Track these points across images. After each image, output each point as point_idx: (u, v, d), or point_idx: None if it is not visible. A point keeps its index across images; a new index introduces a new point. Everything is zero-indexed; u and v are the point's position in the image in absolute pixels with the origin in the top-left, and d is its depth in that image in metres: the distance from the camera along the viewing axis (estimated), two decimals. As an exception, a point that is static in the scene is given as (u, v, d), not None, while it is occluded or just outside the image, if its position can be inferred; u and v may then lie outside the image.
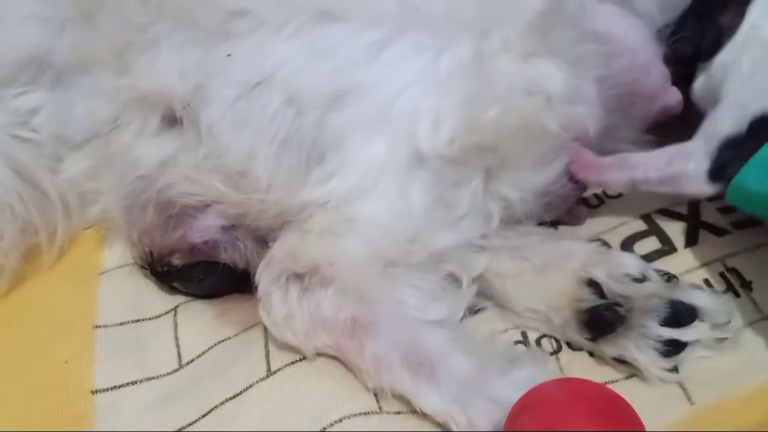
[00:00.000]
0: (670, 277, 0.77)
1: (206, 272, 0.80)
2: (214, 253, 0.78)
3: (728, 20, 0.79)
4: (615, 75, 0.79)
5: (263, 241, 0.77)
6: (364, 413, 0.70)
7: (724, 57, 0.79)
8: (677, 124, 0.89)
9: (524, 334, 0.77)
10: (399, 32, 0.74)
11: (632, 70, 0.83)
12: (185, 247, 0.79)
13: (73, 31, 0.85)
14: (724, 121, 0.75)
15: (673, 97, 0.85)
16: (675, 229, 0.82)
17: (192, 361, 0.77)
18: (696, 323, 0.72)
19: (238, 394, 0.72)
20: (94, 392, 0.75)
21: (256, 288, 0.75)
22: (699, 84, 0.81)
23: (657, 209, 0.85)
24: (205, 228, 0.78)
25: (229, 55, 0.75)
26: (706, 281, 0.77)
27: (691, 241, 0.81)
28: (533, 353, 0.75)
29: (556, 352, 0.75)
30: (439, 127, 0.74)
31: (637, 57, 0.83)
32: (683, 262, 0.79)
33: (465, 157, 0.75)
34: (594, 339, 0.73)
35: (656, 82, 0.85)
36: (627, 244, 0.82)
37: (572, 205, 0.85)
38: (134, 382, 0.75)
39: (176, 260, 0.80)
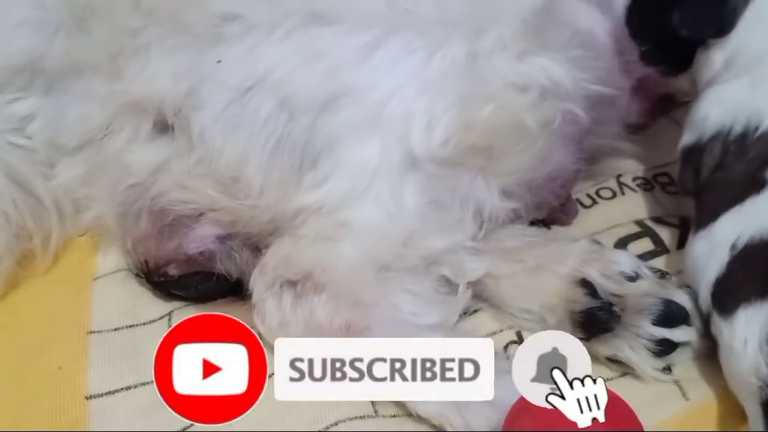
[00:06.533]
0: (663, 274, 0.77)
1: (203, 281, 0.80)
2: (210, 264, 0.78)
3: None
4: (597, 72, 0.79)
5: (258, 250, 0.77)
6: (360, 416, 0.70)
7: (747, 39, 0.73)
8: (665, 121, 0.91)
9: (519, 335, 0.77)
10: (390, 34, 0.74)
11: (611, 69, 0.82)
12: (181, 258, 0.78)
13: (67, 36, 0.84)
14: None
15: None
16: (667, 234, 0.83)
17: (187, 365, 0.77)
18: (687, 325, 0.72)
19: (234, 398, 0.73)
20: (88, 398, 0.74)
21: (250, 294, 0.75)
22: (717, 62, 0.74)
23: (650, 217, 0.86)
24: (200, 238, 0.78)
25: (219, 61, 0.74)
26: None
27: (683, 244, 0.80)
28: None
29: (551, 351, 0.76)
30: (433, 129, 0.73)
31: (614, 56, 0.83)
32: (675, 262, 0.79)
33: (459, 158, 0.75)
34: (588, 339, 0.73)
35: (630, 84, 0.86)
36: (621, 245, 0.82)
37: (564, 199, 0.85)
38: (129, 387, 0.75)
39: (172, 270, 0.80)
